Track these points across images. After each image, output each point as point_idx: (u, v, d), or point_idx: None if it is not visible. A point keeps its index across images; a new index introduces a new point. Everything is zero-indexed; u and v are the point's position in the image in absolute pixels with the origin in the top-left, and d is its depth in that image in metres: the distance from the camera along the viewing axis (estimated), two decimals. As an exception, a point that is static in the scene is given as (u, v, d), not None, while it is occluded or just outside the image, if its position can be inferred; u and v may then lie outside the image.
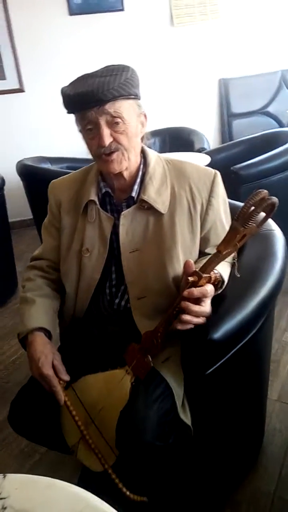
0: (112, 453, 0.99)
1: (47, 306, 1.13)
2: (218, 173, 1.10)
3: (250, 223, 0.84)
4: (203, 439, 1.05)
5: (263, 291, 1.02)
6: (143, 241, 1.07)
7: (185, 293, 0.87)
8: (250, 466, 1.36)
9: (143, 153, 1.10)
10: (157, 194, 1.06)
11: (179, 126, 3.35)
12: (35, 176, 2.43)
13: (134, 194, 1.07)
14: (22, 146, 3.22)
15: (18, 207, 3.06)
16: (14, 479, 0.61)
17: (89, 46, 3.27)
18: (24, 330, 1.07)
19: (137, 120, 1.02)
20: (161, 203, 1.05)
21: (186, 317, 0.87)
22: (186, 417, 0.99)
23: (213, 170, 1.10)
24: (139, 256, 1.07)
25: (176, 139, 3.25)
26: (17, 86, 3.27)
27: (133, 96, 0.98)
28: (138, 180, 1.08)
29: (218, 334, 0.92)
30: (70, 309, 1.17)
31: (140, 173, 1.08)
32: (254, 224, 0.85)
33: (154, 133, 3.16)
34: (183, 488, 1.16)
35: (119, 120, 0.97)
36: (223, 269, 1.02)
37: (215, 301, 0.98)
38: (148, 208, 1.06)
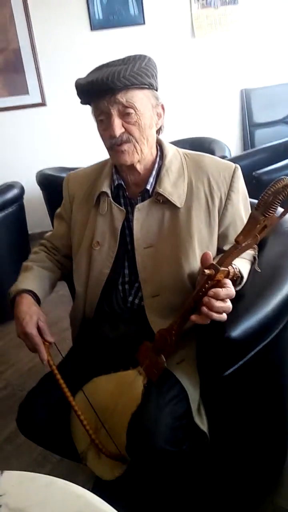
0: (122, 456, 0.93)
1: (43, 275, 1.14)
2: (239, 167, 1.05)
3: (270, 212, 0.78)
4: (220, 449, 0.98)
5: (286, 287, 0.95)
6: (158, 236, 1.02)
7: (211, 293, 0.81)
8: (272, 482, 1.25)
9: (160, 146, 1.06)
10: (173, 187, 1.01)
11: (201, 136, 3.32)
12: (54, 186, 2.42)
13: (149, 187, 1.03)
14: (43, 157, 3.26)
15: (38, 218, 3.08)
16: (12, 476, 0.57)
17: (110, 59, 3.31)
18: (13, 290, 1.07)
19: (152, 111, 0.99)
20: (177, 196, 1.01)
21: (205, 309, 0.81)
22: (202, 423, 0.92)
23: (233, 164, 1.05)
24: (154, 252, 1.02)
25: (198, 149, 3.19)
26: (39, 101, 3.33)
27: (147, 86, 0.95)
28: (154, 173, 1.04)
29: (237, 332, 0.86)
30: (80, 307, 1.13)
31: (156, 166, 1.04)
32: (275, 214, 0.80)
33: (175, 143, 3.14)
34: (197, 502, 1.08)
35: (131, 110, 0.94)
36: (243, 266, 0.96)
37: (234, 298, 0.92)
38: (164, 202, 1.02)
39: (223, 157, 2.92)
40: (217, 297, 0.80)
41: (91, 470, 1.01)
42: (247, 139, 3.82)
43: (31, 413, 1.02)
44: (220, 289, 0.80)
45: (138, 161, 1.00)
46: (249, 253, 1.04)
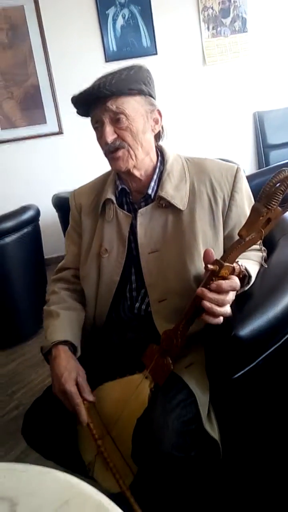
0: (130, 471, 0.89)
1: (72, 319, 1.08)
2: (241, 168, 1.04)
3: (273, 203, 0.77)
4: (232, 457, 0.92)
5: (297, 288, 0.92)
6: (162, 240, 1.02)
7: (213, 286, 0.79)
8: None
9: (161, 152, 1.07)
10: (175, 191, 1.01)
11: (215, 158, 3.36)
12: (69, 207, 2.48)
13: (150, 191, 1.03)
14: (60, 182, 3.34)
15: (54, 243, 3.12)
16: (3, 466, 0.54)
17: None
18: (48, 344, 1.01)
19: (146, 116, 1.00)
20: (179, 199, 1.01)
21: (207, 304, 0.78)
22: (212, 430, 0.87)
23: (235, 165, 1.05)
24: (159, 256, 1.01)
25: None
26: (56, 130, 3.46)
27: (136, 92, 0.96)
28: (155, 177, 1.04)
29: (245, 331, 0.83)
30: (91, 317, 1.11)
31: (157, 170, 1.05)
32: (278, 206, 0.78)
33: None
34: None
35: (122, 116, 0.95)
36: (250, 265, 0.93)
37: (242, 297, 0.89)
38: (167, 206, 1.02)
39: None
40: (220, 290, 0.78)
41: (98, 484, 0.97)
42: (262, 159, 3.85)
43: (36, 421, 1.00)
44: (223, 281, 0.78)
45: (134, 166, 1.01)
46: (258, 255, 1.02)
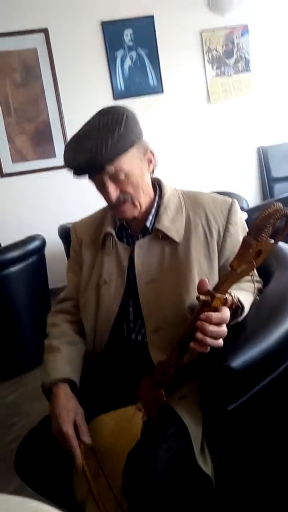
0: (120, 509, 0.86)
1: (73, 354, 1.07)
2: (236, 201, 1.07)
3: (262, 235, 0.79)
4: (228, 497, 0.89)
5: (291, 320, 0.92)
6: (159, 271, 1.03)
7: (203, 316, 0.80)
8: None
9: (159, 186, 1.11)
10: (171, 223, 1.04)
11: (218, 190, 3.41)
12: (75, 237, 2.52)
13: (148, 224, 1.06)
14: (67, 214, 3.39)
15: (59, 273, 3.14)
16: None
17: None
18: (48, 381, 1.01)
19: (142, 162, 1.01)
20: (175, 232, 1.03)
21: (199, 335, 0.79)
22: (205, 465, 0.85)
23: (230, 199, 1.08)
24: (156, 287, 1.03)
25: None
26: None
27: (130, 147, 0.96)
28: (153, 211, 1.07)
29: (237, 362, 0.82)
30: (89, 347, 1.11)
31: (155, 204, 1.08)
32: (268, 238, 0.80)
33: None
34: None
35: (121, 174, 0.97)
36: (244, 297, 0.94)
37: (236, 328, 0.89)
38: (163, 238, 1.04)
39: (241, 208, 2.97)
40: (210, 321, 0.78)
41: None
42: (267, 192, 3.90)
43: (29, 455, 0.98)
44: (213, 313, 0.78)
45: (139, 212, 1.04)
46: (252, 286, 1.03)
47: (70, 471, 0.96)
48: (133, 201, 1.02)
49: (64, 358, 1.04)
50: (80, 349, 1.10)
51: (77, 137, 0.99)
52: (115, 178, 0.98)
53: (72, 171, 0.98)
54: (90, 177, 1.01)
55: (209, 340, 0.79)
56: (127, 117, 0.95)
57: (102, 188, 1.01)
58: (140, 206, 1.04)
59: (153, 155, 1.05)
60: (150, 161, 1.05)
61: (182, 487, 0.80)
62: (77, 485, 0.96)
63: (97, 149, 0.92)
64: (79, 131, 1.00)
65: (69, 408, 0.94)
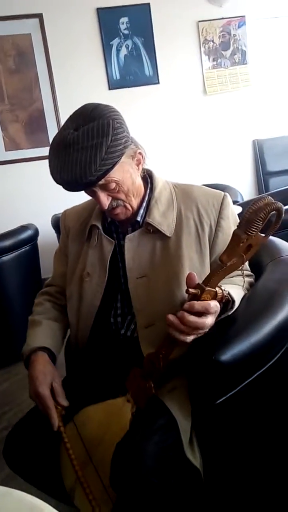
0: (109, 498, 0.87)
1: (54, 328, 1.11)
2: (228, 195, 1.07)
3: (253, 229, 0.78)
4: (217, 488, 0.90)
5: (282, 314, 0.92)
6: (150, 266, 1.03)
7: (186, 305, 0.80)
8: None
9: (150, 178, 1.09)
10: (162, 217, 1.03)
11: (214, 183, 3.40)
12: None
13: (139, 218, 1.05)
14: (61, 204, 3.38)
15: (52, 262, 3.14)
16: None
17: (126, 116, 3.50)
18: (27, 349, 1.04)
19: (130, 168, 0.98)
20: (167, 226, 1.02)
21: (175, 320, 0.80)
22: (194, 458, 0.86)
23: (222, 192, 1.07)
24: (147, 282, 1.02)
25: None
26: (60, 152, 3.54)
27: (119, 158, 0.92)
28: (144, 204, 1.06)
29: (226, 356, 0.83)
30: (73, 338, 1.12)
31: (146, 197, 1.07)
32: (258, 232, 0.80)
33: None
34: None
35: (113, 184, 0.95)
36: (234, 291, 0.94)
37: (226, 321, 0.90)
38: (154, 232, 1.03)
39: (235, 202, 2.97)
40: (192, 309, 0.79)
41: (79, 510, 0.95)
42: (262, 186, 3.90)
43: (18, 444, 0.99)
44: (195, 302, 0.79)
45: (132, 213, 1.04)
46: (246, 280, 1.03)
47: (59, 460, 0.97)
48: (125, 205, 1.01)
49: (44, 331, 1.08)
50: (62, 326, 1.14)
51: (62, 147, 0.91)
52: (106, 188, 0.96)
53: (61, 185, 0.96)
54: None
55: (184, 329, 0.80)
56: (113, 127, 0.89)
57: (93, 197, 1.00)
58: (132, 208, 1.03)
59: (141, 155, 1.01)
60: (139, 162, 1.01)
61: (171, 480, 0.81)
62: (65, 473, 0.97)
63: (86, 167, 0.88)
64: (62, 136, 0.91)
65: (46, 372, 0.98)
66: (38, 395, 0.95)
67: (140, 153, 1.00)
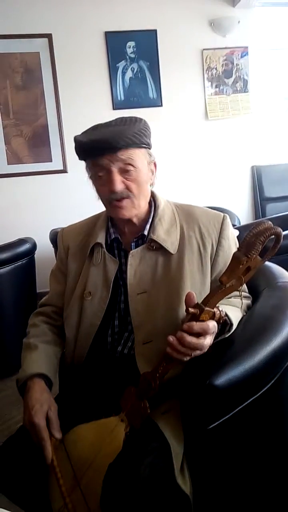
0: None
1: (50, 353, 1.08)
2: (228, 216, 1.08)
3: (252, 252, 0.80)
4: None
5: (277, 340, 0.92)
6: (151, 282, 1.03)
7: (185, 326, 0.81)
8: None
9: (152, 197, 1.11)
10: (166, 235, 1.04)
11: (212, 206, 3.44)
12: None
13: (145, 232, 1.06)
14: (60, 218, 3.38)
15: (48, 277, 3.12)
16: None
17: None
18: (23, 376, 1.01)
19: (148, 167, 1.04)
20: (170, 243, 1.04)
21: (174, 341, 0.81)
22: (184, 484, 0.85)
23: (222, 213, 1.09)
24: (147, 298, 1.03)
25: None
26: (61, 168, 3.57)
27: (145, 145, 1.00)
28: (150, 220, 1.07)
29: (221, 380, 0.82)
30: (69, 356, 1.11)
31: (151, 215, 1.08)
32: (257, 255, 0.81)
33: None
34: None
35: (131, 167, 0.98)
36: (232, 313, 0.95)
37: (221, 345, 0.90)
38: (157, 249, 1.04)
39: (232, 225, 3.00)
40: (191, 330, 0.79)
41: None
42: (259, 211, 3.95)
43: (6, 463, 0.96)
44: (194, 322, 0.79)
45: (136, 215, 1.04)
46: (244, 302, 1.04)
47: (47, 482, 0.95)
48: (133, 201, 1.01)
49: (40, 356, 1.05)
50: (58, 350, 1.12)
51: (96, 125, 1.02)
52: (123, 170, 0.98)
53: (80, 150, 0.99)
54: (94, 164, 0.98)
55: (182, 349, 0.80)
56: (145, 123, 1.02)
57: (104, 178, 0.99)
58: (139, 208, 1.03)
59: (155, 167, 1.07)
60: (152, 172, 1.06)
61: (161, 504, 0.79)
62: (53, 496, 0.94)
63: (118, 132, 0.95)
64: (97, 124, 1.02)
65: (42, 401, 0.95)
66: (33, 425, 0.92)
67: (155, 164, 1.07)
